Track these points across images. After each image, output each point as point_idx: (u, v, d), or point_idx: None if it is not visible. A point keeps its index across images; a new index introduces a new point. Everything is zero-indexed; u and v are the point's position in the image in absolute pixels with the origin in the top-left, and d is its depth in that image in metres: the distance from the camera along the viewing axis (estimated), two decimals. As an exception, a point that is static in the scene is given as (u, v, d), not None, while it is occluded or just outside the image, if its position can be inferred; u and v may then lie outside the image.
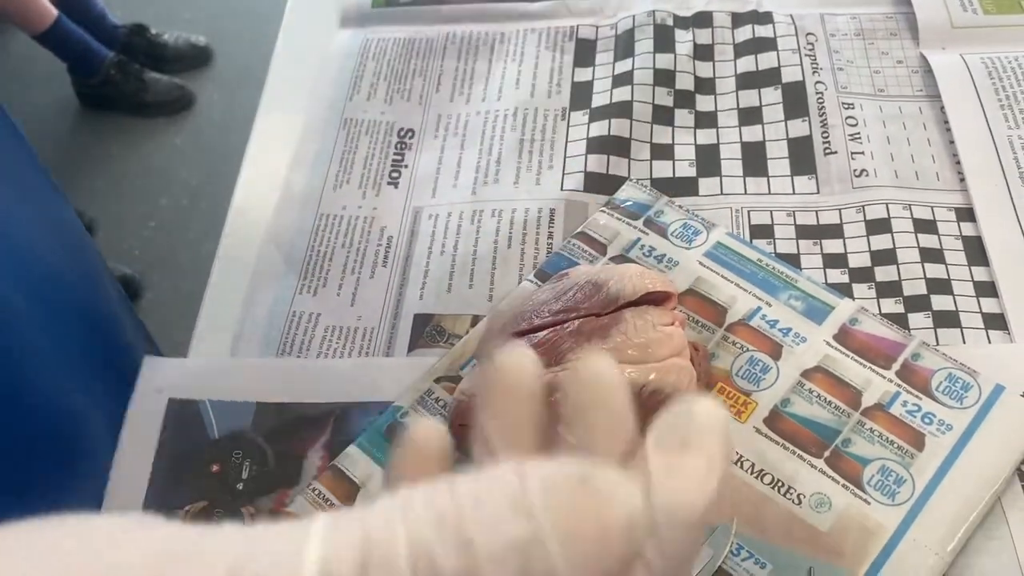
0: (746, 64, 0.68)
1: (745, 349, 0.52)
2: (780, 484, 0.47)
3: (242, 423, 0.55)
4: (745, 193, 0.61)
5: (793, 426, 0.49)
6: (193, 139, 2.03)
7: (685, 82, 0.67)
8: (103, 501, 0.52)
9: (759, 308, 0.54)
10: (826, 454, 0.48)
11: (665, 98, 0.66)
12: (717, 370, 0.52)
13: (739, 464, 0.48)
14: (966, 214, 0.58)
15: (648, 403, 0.46)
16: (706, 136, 0.65)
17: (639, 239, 0.58)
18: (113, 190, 1.96)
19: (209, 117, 2.05)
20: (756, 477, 0.47)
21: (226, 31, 2.18)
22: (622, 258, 0.57)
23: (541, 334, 0.49)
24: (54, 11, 1.84)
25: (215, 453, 0.54)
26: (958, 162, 0.60)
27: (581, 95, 0.69)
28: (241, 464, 0.53)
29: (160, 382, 0.57)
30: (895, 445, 0.48)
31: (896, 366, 0.50)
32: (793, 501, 0.47)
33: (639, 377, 0.46)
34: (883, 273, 0.56)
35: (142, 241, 1.88)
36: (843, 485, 0.47)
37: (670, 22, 0.71)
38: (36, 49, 1.91)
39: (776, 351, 0.52)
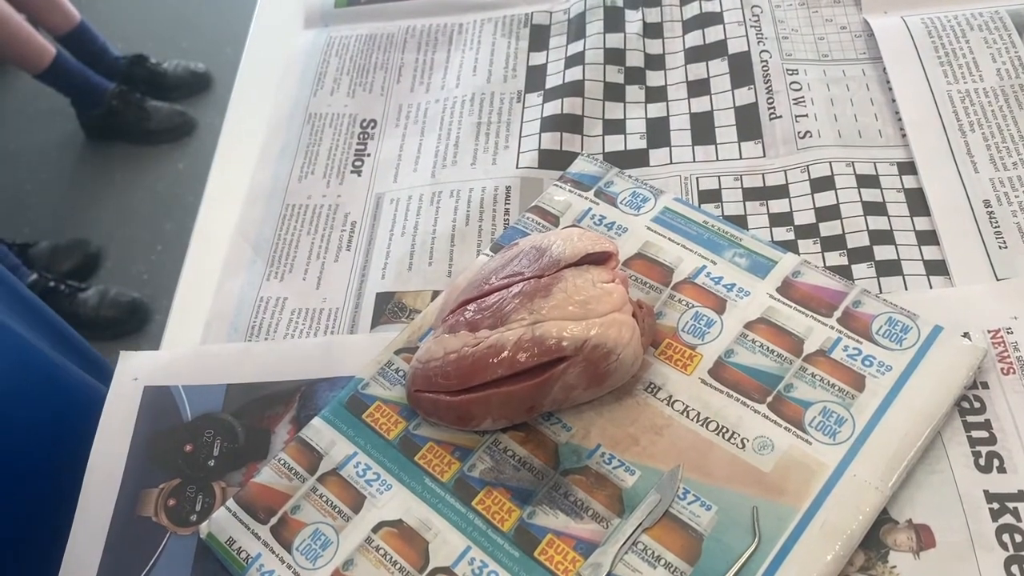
0: (694, 39, 0.69)
1: (690, 306, 0.54)
2: (725, 430, 0.48)
3: (214, 404, 0.57)
4: (694, 161, 0.63)
5: (737, 375, 0.50)
6: (195, 163, 2.07)
7: (635, 59, 0.69)
8: (83, 482, 0.54)
9: (704, 267, 0.55)
10: (769, 399, 0.49)
11: (616, 75, 0.68)
12: (664, 327, 0.53)
13: (685, 413, 0.49)
14: (908, 167, 0.59)
15: (591, 356, 0.48)
16: (656, 110, 0.66)
17: (590, 209, 0.60)
18: (120, 217, 2.00)
19: (211, 141, 2.06)
20: (702, 425, 0.49)
21: (224, 56, 2.22)
22: (573, 227, 0.59)
23: (489, 299, 0.51)
24: (52, 50, 1.87)
25: (188, 434, 0.56)
26: (900, 119, 0.61)
27: (535, 78, 0.70)
28: (212, 442, 0.55)
29: (136, 372, 0.59)
30: (836, 388, 0.49)
31: (837, 313, 0.52)
32: (737, 445, 0.48)
33: (581, 332, 0.47)
34: (827, 228, 0.57)
35: (150, 265, 1.91)
36: (785, 428, 0.48)
37: (620, 3, 0.72)
38: (40, 85, 1.95)
39: (720, 306, 0.53)
